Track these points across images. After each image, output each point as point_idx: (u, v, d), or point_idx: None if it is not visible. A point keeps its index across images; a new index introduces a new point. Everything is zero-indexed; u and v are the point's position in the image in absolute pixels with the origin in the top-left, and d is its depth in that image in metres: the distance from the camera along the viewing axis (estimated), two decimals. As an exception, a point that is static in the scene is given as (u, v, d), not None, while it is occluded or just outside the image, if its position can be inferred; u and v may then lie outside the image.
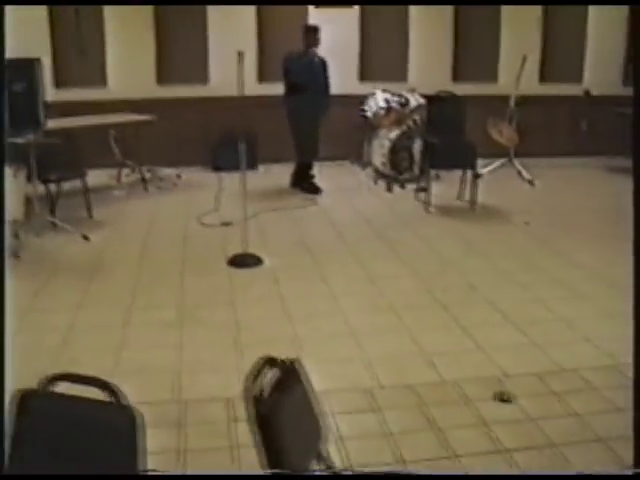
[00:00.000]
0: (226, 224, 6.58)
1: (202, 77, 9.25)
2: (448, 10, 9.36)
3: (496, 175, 8.38)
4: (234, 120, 9.02)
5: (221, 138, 9.13)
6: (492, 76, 9.33)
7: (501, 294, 4.75)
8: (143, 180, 8.44)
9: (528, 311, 4.48)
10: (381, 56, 9.46)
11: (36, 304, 4.68)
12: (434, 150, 6.80)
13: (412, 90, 8.45)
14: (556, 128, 10.03)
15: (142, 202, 7.62)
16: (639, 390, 2.36)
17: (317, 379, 2.10)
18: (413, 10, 9.28)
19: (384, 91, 8.39)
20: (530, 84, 9.52)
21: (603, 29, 9.86)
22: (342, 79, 8.89)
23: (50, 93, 8.51)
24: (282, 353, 1.97)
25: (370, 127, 8.38)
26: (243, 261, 5.56)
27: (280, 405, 1.75)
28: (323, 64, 7.50)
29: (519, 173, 8.32)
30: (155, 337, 4.17)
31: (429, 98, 7.40)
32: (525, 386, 3.51)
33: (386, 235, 6.24)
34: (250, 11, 9.06)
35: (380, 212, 7.09)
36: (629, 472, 2.51)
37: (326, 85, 7.50)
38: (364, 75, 9.45)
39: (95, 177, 7.70)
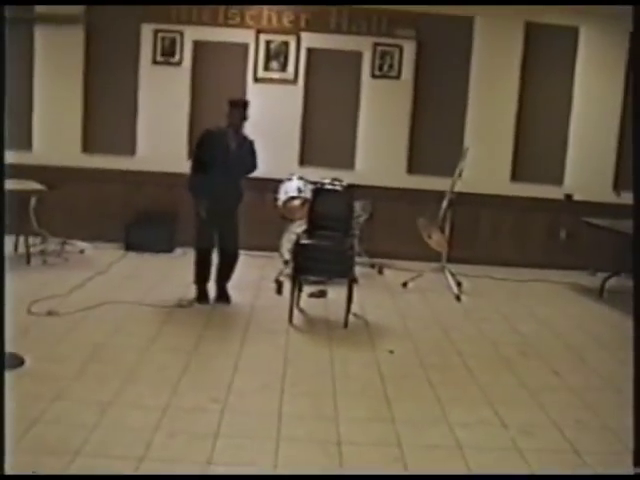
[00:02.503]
0: (52, 313, 5.68)
1: (129, 149, 8.53)
2: (407, 89, 8.34)
3: (427, 283, 7.35)
4: (158, 197, 8.43)
5: (137, 215, 8.42)
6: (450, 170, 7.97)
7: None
8: (42, 252, 7.74)
9: None
10: (326, 139, 8.49)
11: None
12: (305, 252, 5.71)
13: (335, 180, 7.47)
14: (528, 235, 8.77)
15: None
16: (639, 390, 2.53)
17: None
18: (366, 87, 8.32)
19: (300, 178, 7.44)
20: (500, 183, 8.40)
21: (592, 123, 8.60)
22: (281, 162, 8.14)
23: None
24: None
25: (282, 217, 7.42)
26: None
27: None
28: (249, 145, 6.30)
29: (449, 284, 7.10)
30: None
31: (316, 190, 6.32)
32: None
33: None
34: (184, 82, 8.34)
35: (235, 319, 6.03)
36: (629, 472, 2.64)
37: (247, 169, 6.33)
38: (305, 159, 8.49)
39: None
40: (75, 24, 8.36)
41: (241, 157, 6.12)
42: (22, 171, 8.01)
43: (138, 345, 5.09)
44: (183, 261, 7.47)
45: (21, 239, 7.59)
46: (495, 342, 5.66)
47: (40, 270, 7.22)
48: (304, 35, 8.27)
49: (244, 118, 6.12)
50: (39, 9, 8.33)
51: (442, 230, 7.18)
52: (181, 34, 8.31)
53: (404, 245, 8.17)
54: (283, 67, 8.33)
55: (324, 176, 7.76)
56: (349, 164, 8.46)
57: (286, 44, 8.28)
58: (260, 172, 8.24)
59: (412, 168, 8.50)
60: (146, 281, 6.99)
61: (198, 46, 8.36)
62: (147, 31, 8.33)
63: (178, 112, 8.28)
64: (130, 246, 8.35)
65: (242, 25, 8.28)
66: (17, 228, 7.70)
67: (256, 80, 8.38)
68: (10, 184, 7.62)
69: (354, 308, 6.17)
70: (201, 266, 6.30)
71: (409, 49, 8.24)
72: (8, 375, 4.42)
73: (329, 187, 6.34)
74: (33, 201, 8.04)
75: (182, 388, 4.38)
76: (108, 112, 8.54)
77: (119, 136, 8.55)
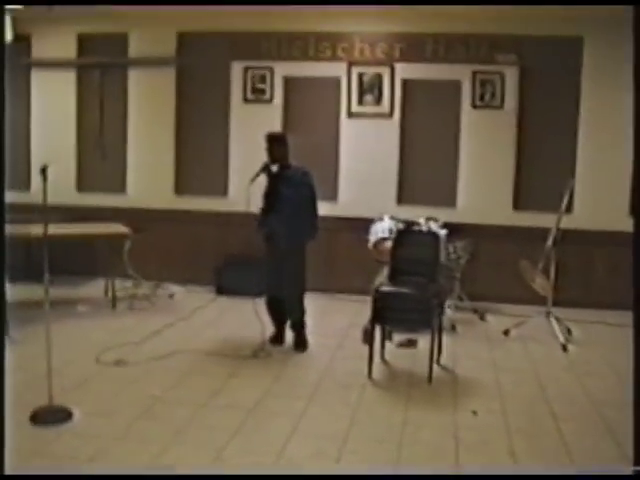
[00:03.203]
0: (119, 364, 5.45)
1: (221, 189, 8.34)
2: (510, 118, 7.68)
3: (533, 329, 6.59)
4: (250, 238, 8.12)
5: (229, 257, 8.18)
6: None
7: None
8: (131, 297, 7.63)
9: None
10: (425, 175, 7.95)
11: None
12: (384, 300, 5.20)
13: (429, 219, 6.93)
14: None
15: (84, 323, 6.75)
16: (639, 390, 2.62)
17: None
18: (466, 118, 7.73)
19: (391, 218, 6.94)
20: (617, 217, 7.57)
21: None
22: (377, 201, 7.81)
23: (73, 196, 8.20)
24: None
25: (375, 259, 6.93)
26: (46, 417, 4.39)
27: None
28: (302, 179, 6.01)
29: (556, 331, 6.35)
30: None
31: (400, 231, 5.80)
32: None
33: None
34: (276, 119, 8.09)
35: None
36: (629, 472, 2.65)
37: (304, 206, 5.95)
38: (403, 197, 7.97)
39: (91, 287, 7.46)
40: (167, 65, 8.25)
41: (291, 193, 5.83)
42: (117, 214, 8.06)
43: (196, 400, 4.72)
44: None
45: (114, 282, 7.44)
46: (599, 403, 4.88)
47: (124, 315, 7.04)
48: (398, 66, 7.81)
49: (284, 151, 5.94)
50: (132, 53, 8.29)
51: (546, 272, 6.43)
52: (271, 70, 8.06)
53: (509, 287, 7.44)
54: (377, 100, 7.90)
55: (422, 215, 7.23)
56: (450, 201, 7.86)
57: (380, 76, 7.85)
58: (354, 211, 7.89)
59: (518, 204, 7.79)
60: (227, 328, 6.67)
61: (289, 82, 8.07)
62: (237, 69, 8.15)
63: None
64: (221, 290, 8.08)
65: (333, 58, 7.92)
66: (109, 271, 7.63)
67: (350, 115, 7.97)
68: (97, 228, 7.62)
69: (444, 360, 5.59)
70: (270, 309, 6.10)
71: (511, 75, 7.59)
72: (51, 431, 4.20)
73: (414, 228, 5.75)
74: (127, 244, 7.93)
75: (228, 452, 3.96)
76: (200, 152, 8.39)
77: (211, 177, 8.36)
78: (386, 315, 5.20)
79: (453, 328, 6.71)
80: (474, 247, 7.43)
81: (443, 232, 6.92)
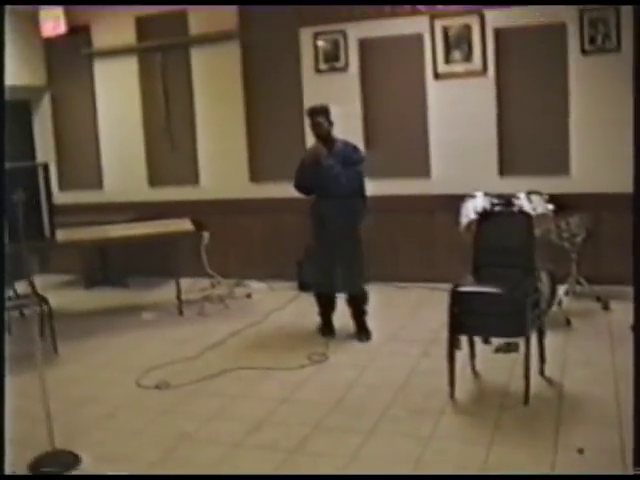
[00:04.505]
0: (160, 387, 4.72)
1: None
2: (630, 62, 6.28)
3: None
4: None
5: (308, 249, 7.29)
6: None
7: None
8: (205, 299, 6.94)
9: None
10: (529, 140, 6.73)
11: None
12: (463, 302, 4.15)
13: (532, 193, 5.76)
14: None
15: (144, 333, 6.08)
16: (639, 391, 2.49)
17: None
18: (575, 68, 6.44)
19: (486, 194, 5.82)
20: None
21: None
22: (475, 174, 6.72)
23: (145, 192, 7.67)
24: None
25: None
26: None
27: None
28: (350, 153, 5.37)
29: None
30: None
31: (482, 214, 4.69)
32: None
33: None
34: (353, 89, 7.10)
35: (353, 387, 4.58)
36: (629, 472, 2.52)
37: (353, 183, 5.36)
38: (506, 168, 6.78)
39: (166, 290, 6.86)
40: (230, 40, 7.44)
41: (339, 171, 5.29)
42: (191, 207, 7.40)
43: (231, 438, 3.90)
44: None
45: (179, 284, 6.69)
46: None
47: (191, 322, 6.34)
48: (489, 14, 6.58)
49: (328, 125, 5.32)
50: (193, 32, 7.54)
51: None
52: (344, 34, 7.06)
53: (640, 268, 6.08)
54: (467, 57, 6.75)
55: (528, 187, 6.04)
56: (561, 169, 6.61)
57: (468, 28, 6.68)
58: (451, 187, 6.78)
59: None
60: (299, 333, 5.80)
61: (364, 45, 7.05)
62: (306, 36, 7.21)
63: (350, 125, 6.94)
64: (303, 286, 7.20)
65: (413, 13, 6.77)
66: (188, 270, 7.12)
67: (437, 76, 6.88)
68: (171, 225, 6.92)
69: (550, 369, 4.47)
70: (320, 300, 5.65)
71: (629, 11, 6.18)
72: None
73: (499, 209, 4.64)
74: (205, 238, 7.24)
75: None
76: (273, 133, 7.54)
77: (287, 159, 7.39)
78: (466, 322, 4.14)
79: (568, 323, 5.53)
80: (592, 222, 6.17)
81: (549, 207, 5.73)
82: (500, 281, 4.26)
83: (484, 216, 4.54)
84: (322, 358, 5.10)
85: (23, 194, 5.98)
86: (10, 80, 7.56)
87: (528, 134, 6.68)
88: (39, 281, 8.07)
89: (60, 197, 8.40)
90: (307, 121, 5.50)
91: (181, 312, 6.59)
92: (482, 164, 6.84)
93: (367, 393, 4.44)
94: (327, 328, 5.62)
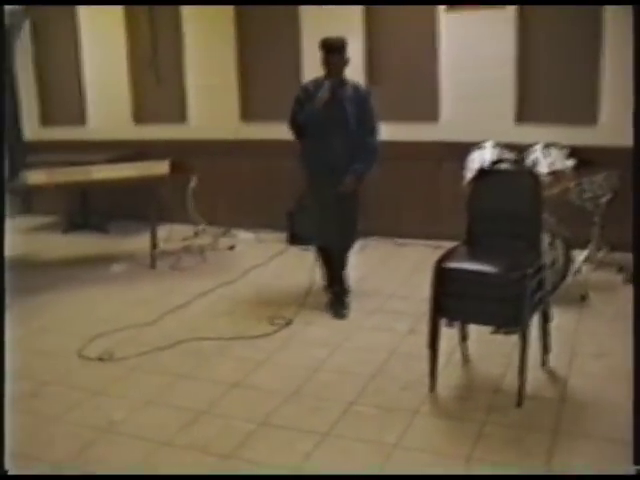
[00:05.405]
0: (103, 358, 4.10)
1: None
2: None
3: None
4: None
5: (303, 199, 6.54)
6: None
7: None
8: (183, 250, 6.32)
9: None
10: (553, 83, 5.87)
11: None
12: (449, 281, 3.42)
13: (550, 146, 4.95)
14: None
15: (107, 289, 5.46)
16: (639, 391, 2.42)
17: None
18: (609, 12, 5.51)
19: (497, 145, 5.03)
20: None
21: None
22: (489, 119, 5.95)
23: (130, 130, 7.00)
24: None
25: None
26: None
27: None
28: (359, 99, 4.61)
29: None
30: None
31: (479, 172, 3.90)
32: None
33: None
34: (355, 23, 6.21)
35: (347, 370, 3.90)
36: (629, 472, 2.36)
37: (361, 130, 4.60)
38: (524, 113, 5.94)
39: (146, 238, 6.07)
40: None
41: (347, 115, 4.57)
42: (178, 147, 6.72)
43: (160, 433, 3.31)
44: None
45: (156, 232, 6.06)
46: None
47: (161, 278, 5.71)
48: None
49: (344, 64, 4.54)
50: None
51: None
52: (347, -46, 6.15)
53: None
54: (487, -16, 5.82)
55: (547, 137, 5.23)
56: (589, 117, 5.77)
57: (489, -48, 5.75)
58: (461, 134, 5.98)
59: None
60: (274, 297, 5.13)
61: (370, -29, 6.13)
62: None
63: (352, 62, 6.05)
64: (294, 239, 6.48)
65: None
66: (173, 215, 6.67)
67: (449, 7, 5.95)
68: (155, 167, 6.20)
69: (556, 358, 3.73)
70: (321, 257, 4.89)
71: None
72: None
73: (500, 166, 3.86)
74: (193, 181, 6.57)
75: None
76: (267, 68, 6.75)
77: (283, 96, 6.60)
78: (450, 304, 3.42)
79: (583, 299, 4.77)
80: (620, 181, 5.33)
81: (569, 163, 4.91)
82: (497, 255, 3.52)
83: (480, 175, 3.75)
84: (284, 322, 4.49)
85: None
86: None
87: (551, 76, 5.83)
88: (18, 223, 7.55)
89: (42, 133, 7.79)
90: (320, 55, 4.57)
91: (153, 265, 5.93)
92: (497, 108, 6.04)
93: (332, 380, 3.76)
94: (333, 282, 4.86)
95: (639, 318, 2.55)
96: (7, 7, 6.83)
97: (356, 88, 4.65)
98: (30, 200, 7.95)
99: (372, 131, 4.62)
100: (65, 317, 4.89)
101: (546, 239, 4.54)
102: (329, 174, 4.62)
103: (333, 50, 4.52)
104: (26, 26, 7.62)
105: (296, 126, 4.67)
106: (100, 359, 4.12)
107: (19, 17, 7.30)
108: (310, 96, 4.59)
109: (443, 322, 3.59)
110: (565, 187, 4.99)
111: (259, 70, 6.77)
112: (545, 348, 3.73)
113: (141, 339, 4.36)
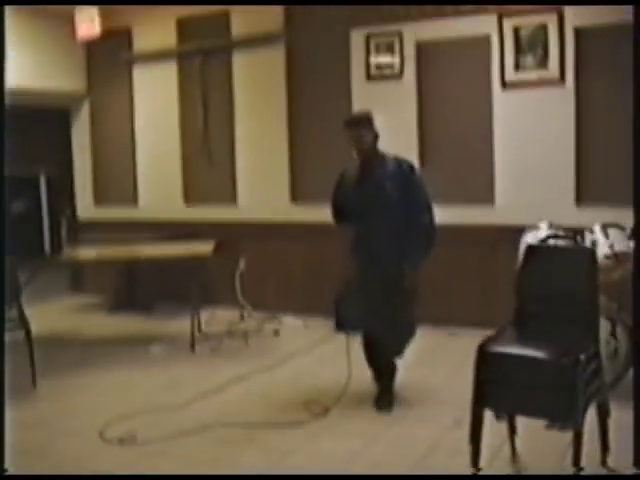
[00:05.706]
0: (124, 441, 3.87)
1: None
2: None
3: None
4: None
5: (347, 284, 6.29)
6: None
7: None
8: (227, 334, 6.13)
9: None
10: (615, 162, 5.57)
11: None
12: (494, 368, 3.10)
13: (609, 227, 4.62)
14: None
15: (143, 370, 5.27)
16: (639, 391, 2.54)
17: None
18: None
19: (551, 227, 4.74)
20: None
21: None
22: (548, 201, 5.68)
23: (180, 210, 6.98)
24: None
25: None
26: None
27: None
28: (402, 173, 4.24)
29: None
30: None
31: (529, 249, 3.60)
32: None
33: None
34: (409, 99, 6.14)
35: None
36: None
37: (409, 208, 4.21)
38: (583, 194, 5.64)
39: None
40: (275, 43, 6.64)
41: (385, 193, 4.20)
42: (229, 228, 6.62)
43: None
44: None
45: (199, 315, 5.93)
46: None
47: (196, 362, 5.51)
48: (569, 11, 5.50)
49: (370, 139, 4.18)
50: (236, 32, 6.77)
51: None
52: (399, 35, 6.11)
53: None
54: (542, 62, 5.69)
55: (609, 219, 4.91)
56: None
57: (544, 28, 5.63)
58: (518, 217, 5.68)
59: None
60: (312, 385, 4.81)
61: (422, 48, 6.10)
62: (357, 38, 6.30)
63: (403, 140, 5.97)
64: (340, 325, 6.16)
65: (478, 11, 5.76)
66: (220, 298, 6.60)
67: (504, 85, 5.82)
68: (204, 246, 6.07)
69: (617, 459, 3.33)
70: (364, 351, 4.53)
71: None
72: None
73: (550, 243, 3.57)
74: (241, 263, 6.43)
75: None
76: (318, 148, 6.63)
77: (333, 178, 6.52)
78: (494, 393, 3.06)
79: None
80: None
81: (631, 245, 4.56)
82: (547, 339, 3.18)
83: (532, 251, 3.45)
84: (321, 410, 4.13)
85: (23, 206, 5.28)
86: (49, 86, 7.07)
87: (613, 155, 5.50)
88: (67, 301, 7.52)
89: (96, 212, 7.83)
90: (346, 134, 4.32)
91: (193, 348, 5.71)
92: (556, 190, 5.74)
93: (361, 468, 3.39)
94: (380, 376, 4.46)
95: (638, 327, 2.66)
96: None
97: (398, 162, 4.30)
98: (81, 278, 7.94)
99: (424, 208, 4.20)
100: (96, 396, 4.70)
101: (606, 326, 4.18)
102: (371, 262, 4.27)
103: (351, 125, 4.26)
104: (85, 108, 7.77)
105: (333, 211, 4.44)
106: (120, 442, 3.87)
107: (77, 100, 7.48)
108: (346, 178, 4.38)
109: (491, 414, 3.23)
110: (627, 270, 4.61)
111: (310, 150, 6.67)
112: (604, 446, 3.32)
113: (166, 422, 4.11)
